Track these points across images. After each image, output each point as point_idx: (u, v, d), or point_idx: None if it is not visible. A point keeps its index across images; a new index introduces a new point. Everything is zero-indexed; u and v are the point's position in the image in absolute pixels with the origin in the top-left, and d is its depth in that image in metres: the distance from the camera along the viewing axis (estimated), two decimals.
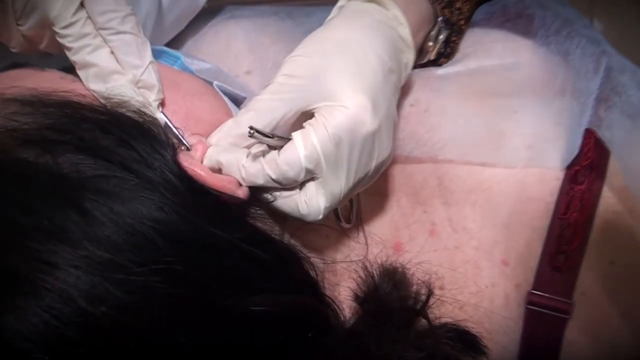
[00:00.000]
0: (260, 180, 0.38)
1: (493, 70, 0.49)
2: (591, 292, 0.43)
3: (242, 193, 0.38)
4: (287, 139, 0.38)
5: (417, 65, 0.50)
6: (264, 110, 0.39)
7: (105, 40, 0.39)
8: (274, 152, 0.38)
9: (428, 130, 0.48)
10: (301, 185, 0.39)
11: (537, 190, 0.45)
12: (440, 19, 0.49)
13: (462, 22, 0.51)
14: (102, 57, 0.39)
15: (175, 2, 0.54)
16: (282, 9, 0.59)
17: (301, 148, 0.37)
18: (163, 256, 0.33)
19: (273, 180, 0.38)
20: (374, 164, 0.39)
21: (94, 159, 0.34)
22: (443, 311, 0.43)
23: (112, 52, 0.39)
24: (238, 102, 0.50)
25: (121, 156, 0.34)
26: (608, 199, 0.44)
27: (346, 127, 0.37)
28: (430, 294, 0.42)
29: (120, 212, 0.33)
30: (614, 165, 0.44)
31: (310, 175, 0.38)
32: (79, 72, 0.40)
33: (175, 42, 0.57)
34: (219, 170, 0.39)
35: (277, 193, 0.39)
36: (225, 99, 0.47)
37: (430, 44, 0.50)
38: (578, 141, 0.45)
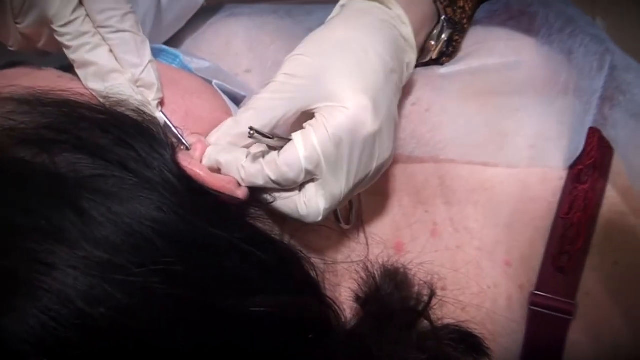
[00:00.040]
0: (259, 181, 0.38)
1: (495, 69, 0.49)
2: (594, 292, 0.43)
3: (241, 194, 0.38)
4: (287, 139, 0.38)
5: (419, 64, 0.50)
6: (263, 109, 0.38)
7: (104, 39, 0.39)
8: (273, 153, 0.38)
9: (430, 129, 0.48)
10: (301, 186, 0.38)
11: (539, 190, 0.45)
12: (443, 17, 0.49)
13: (464, 20, 0.51)
14: (101, 56, 0.39)
15: (175, 0, 0.54)
16: (282, 7, 0.59)
17: (301, 149, 0.36)
18: (162, 257, 0.32)
19: (273, 181, 0.37)
20: (374, 165, 0.39)
21: (92, 159, 0.34)
22: (445, 312, 0.43)
23: (111, 51, 0.39)
24: (237, 100, 0.49)
25: (119, 155, 0.34)
26: (612, 199, 0.44)
27: (347, 127, 0.37)
28: (432, 294, 0.42)
29: (118, 212, 0.32)
30: (617, 165, 0.44)
31: (310, 177, 0.38)
32: (78, 71, 0.39)
33: (174, 41, 0.57)
34: (218, 170, 0.38)
35: (277, 194, 0.39)
36: (225, 97, 0.47)
37: (433, 43, 0.50)
38: (581, 140, 0.44)
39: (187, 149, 0.39)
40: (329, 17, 0.44)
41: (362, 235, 0.46)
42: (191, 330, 0.33)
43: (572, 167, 0.44)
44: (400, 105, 0.47)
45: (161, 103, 0.40)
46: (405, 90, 0.48)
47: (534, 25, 0.51)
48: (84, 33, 0.38)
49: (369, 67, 0.39)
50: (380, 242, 0.45)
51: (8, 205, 0.32)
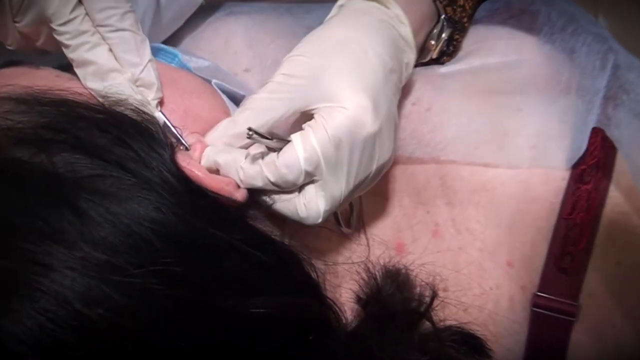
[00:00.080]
0: (258, 183, 0.37)
1: (496, 68, 0.49)
2: (597, 293, 0.43)
3: (240, 196, 0.38)
4: (286, 140, 0.37)
5: (419, 63, 0.50)
6: (261, 109, 0.38)
7: (103, 38, 0.39)
8: (272, 154, 0.37)
9: (430, 129, 0.47)
10: (300, 187, 0.38)
11: (541, 190, 0.45)
12: (443, 17, 0.49)
13: (465, 19, 0.51)
14: (100, 55, 0.39)
15: None
16: (282, 6, 0.58)
17: (300, 150, 0.36)
18: (161, 257, 0.32)
19: (272, 182, 0.37)
20: (374, 166, 0.39)
21: (90, 158, 0.34)
22: (447, 313, 0.43)
23: (111, 50, 0.39)
24: (237, 100, 0.49)
25: (118, 155, 0.34)
26: (615, 199, 0.43)
27: (346, 128, 0.36)
28: (434, 295, 0.42)
29: (116, 213, 0.32)
30: (620, 164, 0.44)
31: (309, 178, 0.37)
32: (77, 70, 0.39)
33: (173, 40, 0.57)
34: (217, 171, 0.38)
35: (276, 195, 0.38)
36: (224, 97, 0.47)
37: (433, 42, 0.50)
38: (584, 140, 0.44)
39: (187, 149, 0.39)
40: (327, 17, 0.43)
41: (363, 236, 0.46)
42: (190, 331, 0.33)
43: (574, 167, 0.44)
44: (400, 105, 0.47)
45: (160, 103, 0.40)
46: (405, 90, 0.48)
47: (536, 24, 0.50)
48: (83, 32, 0.38)
49: (368, 67, 0.39)
50: (381, 243, 0.45)
51: (6, 206, 0.31)
